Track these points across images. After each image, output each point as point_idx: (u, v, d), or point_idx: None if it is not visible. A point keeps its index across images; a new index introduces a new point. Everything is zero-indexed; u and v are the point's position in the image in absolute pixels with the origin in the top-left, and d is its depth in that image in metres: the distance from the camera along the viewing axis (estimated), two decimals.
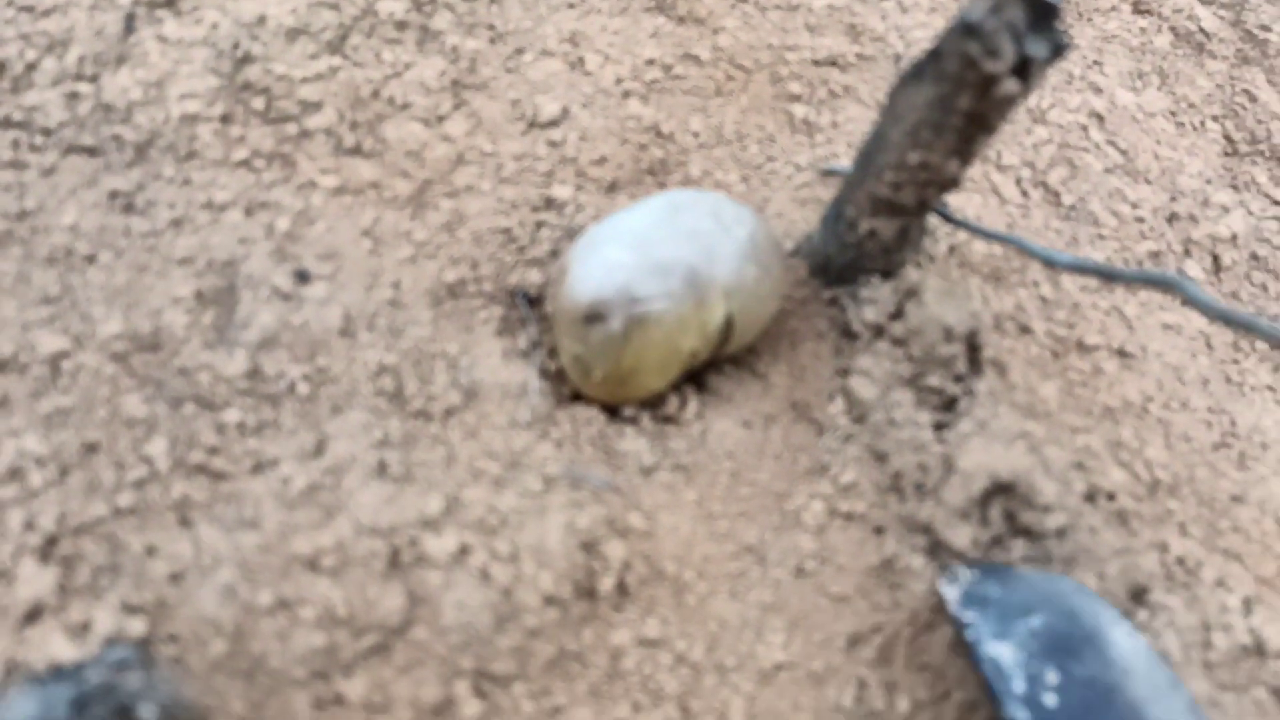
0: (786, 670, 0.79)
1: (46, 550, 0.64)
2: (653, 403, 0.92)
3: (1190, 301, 0.71)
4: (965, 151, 0.80)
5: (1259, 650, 0.84)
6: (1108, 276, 0.80)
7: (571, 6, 1.19)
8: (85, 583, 0.63)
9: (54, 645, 0.59)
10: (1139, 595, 0.81)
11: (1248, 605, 0.86)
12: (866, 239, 0.91)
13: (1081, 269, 0.80)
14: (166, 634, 0.62)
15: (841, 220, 0.93)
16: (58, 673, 0.55)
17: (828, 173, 1.07)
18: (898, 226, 0.89)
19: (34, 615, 0.61)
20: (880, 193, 0.86)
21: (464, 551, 0.74)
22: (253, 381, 0.77)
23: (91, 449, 0.69)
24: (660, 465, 0.88)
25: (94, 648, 0.58)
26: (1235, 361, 1.23)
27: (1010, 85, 0.72)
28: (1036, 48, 0.71)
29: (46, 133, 0.85)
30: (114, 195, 0.83)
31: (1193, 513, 0.94)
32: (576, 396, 0.90)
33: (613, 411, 0.90)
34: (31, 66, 0.88)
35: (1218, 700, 0.80)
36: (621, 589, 0.79)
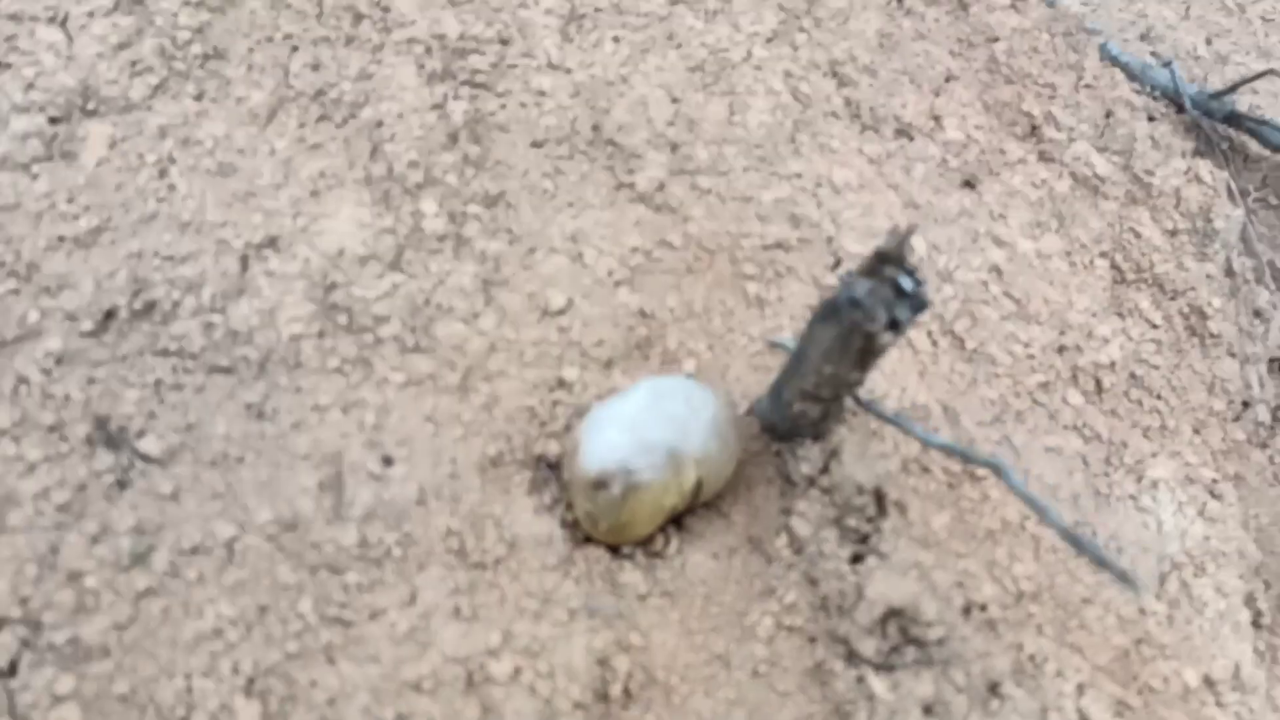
0: None
1: (249, 688, 0.99)
2: (644, 543, 1.28)
3: (1010, 487, 1.08)
4: (863, 366, 1.17)
5: None
6: (960, 455, 1.17)
7: (570, 205, 1.55)
8: (276, 709, 0.98)
9: None
10: (993, 688, 1.18)
11: (1080, 690, 1.23)
12: (799, 416, 1.27)
13: (943, 448, 1.18)
14: None
15: (780, 399, 1.29)
16: None
17: (774, 345, 1.44)
18: (821, 409, 1.26)
19: None
20: (806, 388, 1.22)
21: (517, 672, 1.09)
22: (362, 549, 1.12)
23: (264, 610, 1.05)
24: (652, 592, 1.23)
25: None
26: (1105, 474, 1.60)
27: (886, 337, 1.09)
28: (902, 312, 1.08)
29: (193, 357, 1.20)
30: (249, 406, 1.18)
31: (1049, 615, 1.31)
32: (588, 539, 1.26)
33: (614, 550, 1.26)
34: (176, 304, 1.23)
35: None
36: (627, 693, 1.15)
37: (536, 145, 1.59)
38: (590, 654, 1.14)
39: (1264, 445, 1.93)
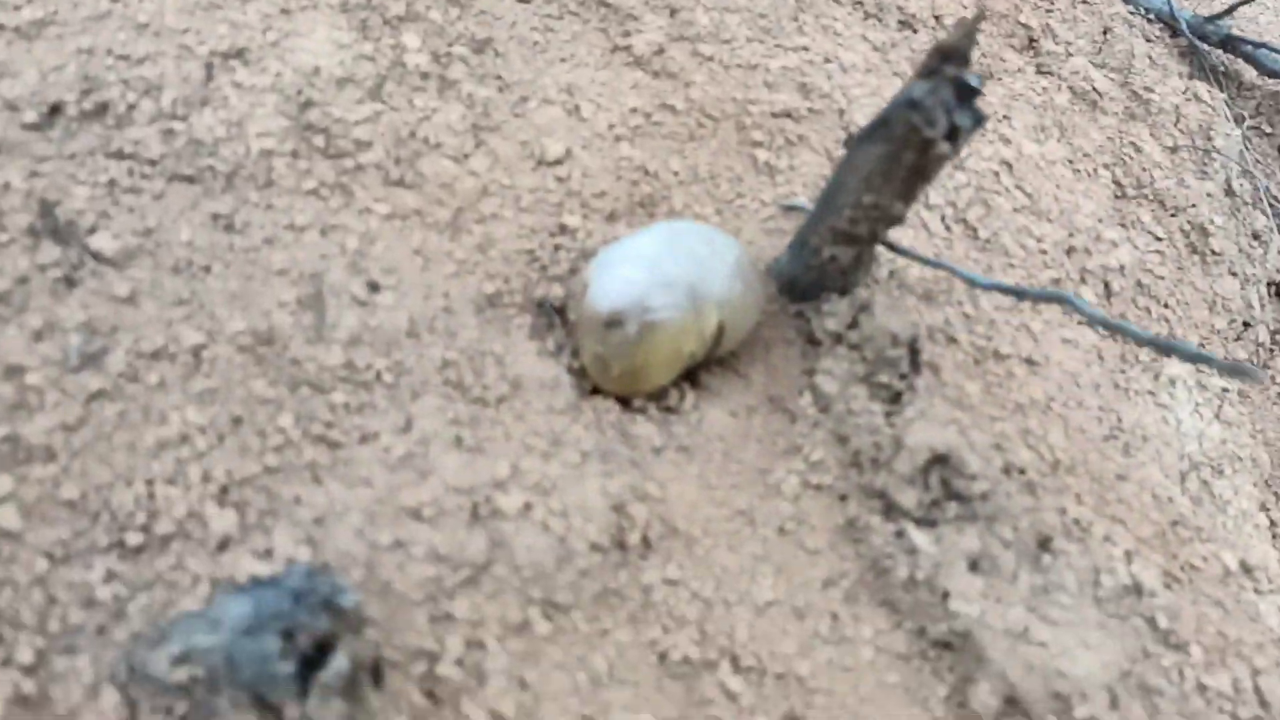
0: (775, 605, 1.06)
1: (222, 497, 0.86)
2: (657, 396, 1.18)
3: (1080, 313, 1.01)
4: (908, 195, 1.09)
5: (1137, 590, 1.14)
6: (1017, 294, 1.10)
7: (564, 60, 1.45)
8: (255, 522, 0.86)
9: (247, 564, 0.81)
10: (1045, 544, 1.11)
11: (1129, 556, 1.16)
12: (828, 263, 1.19)
13: (998, 288, 1.10)
14: (321, 563, 0.85)
15: (806, 247, 1.20)
16: (260, 582, 0.78)
17: (790, 208, 1.36)
18: (854, 253, 1.17)
19: (224, 545, 0.83)
20: (840, 226, 1.14)
21: (528, 507, 0.98)
22: (349, 371, 1.00)
23: (238, 421, 0.92)
24: (667, 446, 1.13)
25: (280, 566, 0.81)
26: (1122, 371, 1.55)
27: (943, 147, 1.01)
28: (963, 119, 1.01)
29: (151, 163, 1.08)
30: (216, 217, 1.06)
31: (1086, 487, 1.25)
32: (595, 391, 1.15)
33: (625, 403, 1.16)
34: (132, 107, 1.10)
35: (1105, 624, 1.09)
36: (645, 542, 1.04)
37: (523, 1, 1.49)
38: (606, 498, 1.04)
39: (1265, 366, 1.91)
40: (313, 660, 0.76)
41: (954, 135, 1.02)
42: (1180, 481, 1.48)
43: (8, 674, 0.75)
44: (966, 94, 1.01)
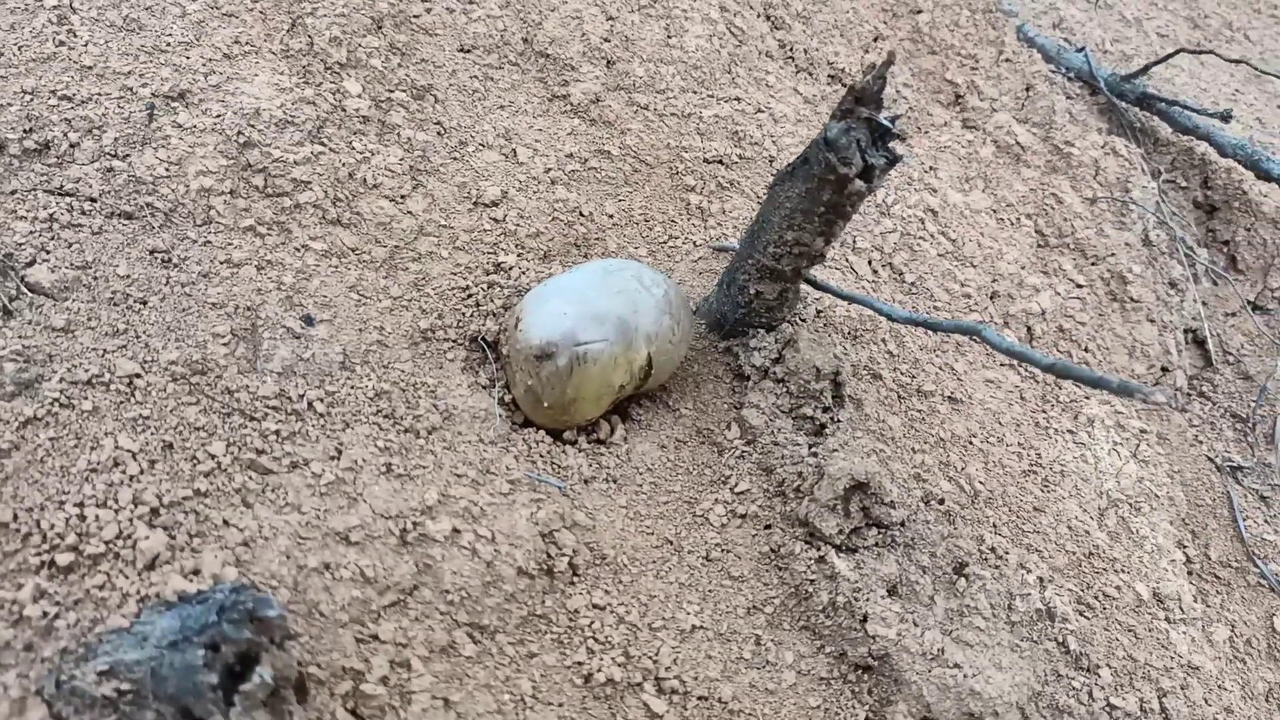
0: (700, 630, 1.09)
1: (152, 519, 0.89)
2: (587, 429, 1.21)
3: (989, 344, 1.06)
4: (828, 233, 1.15)
5: (1050, 615, 1.19)
6: (931, 326, 1.15)
7: (503, 108, 1.51)
8: (184, 542, 0.88)
9: (175, 582, 0.84)
10: (960, 569, 1.15)
11: (1042, 583, 1.21)
12: (754, 299, 1.24)
13: (912, 321, 1.16)
14: (247, 584, 0.88)
15: (734, 284, 1.26)
16: (187, 598, 0.80)
17: (720, 249, 1.41)
18: (779, 289, 1.23)
19: (153, 563, 0.86)
20: (765, 262, 1.19)
21: (456, 532, 1.01)
22: (280, 400, 1.03)
23: (169, 447, 0.95)
24: (597, 476, 1.17)
25: (206, 584, 0.84)
26: (1043, 410, 1.61)
27: (858, 184, 1.07)
28: (876, 159, 1.07)
29: (91, 200, 1.11)
30: (154, 252, 1.09)
31: (1004, 518, 1.30)
32: (527, 423, 1.19)
33: (556, 435, 1.19)
34: (74, 146, 1.14)
35: (1018, 647, 1.14)
36: (573, 568, 1.07)
37: (464, 51, 1.55)
38: (534, 525, 1.07)
39: (1183, 410, 1.99)
40: (237, 673, 0.78)
41: (868, 173, 1.08)
42: (1098, 516, 1.54)
43: None
44: (880, 134, 1.08)
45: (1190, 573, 1.71)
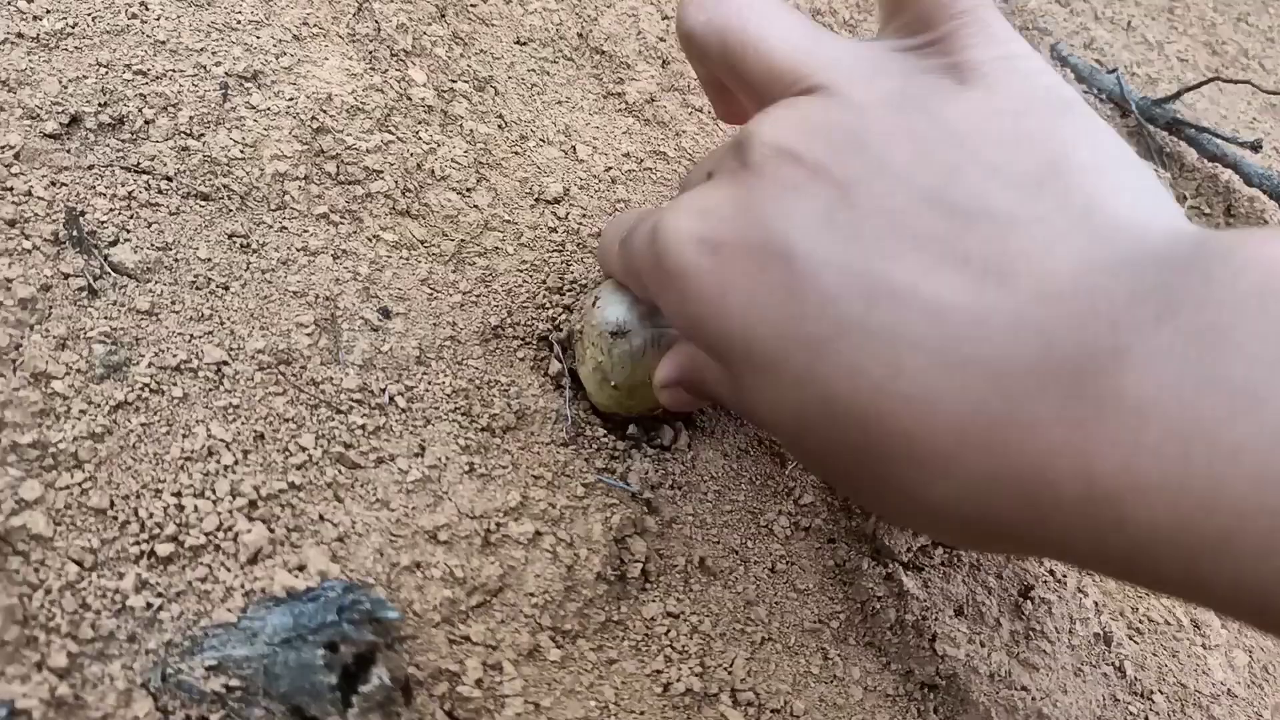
0: (769, 643, 1.11)
1: (250, 511, 0.88)
2: (650, 431, 1.22)
3: None
4: None
5: (1107, 639, 1.22)
6: None
7: (560, 103, 1.51)
8: (283, 537, 0.88)
9: (282, 578, 0.84)
10: (1026, 591, 1.17)
11: (1097, 607, 1.24)
12: None
13: None
14: (359, 583, 0.88)
15: None
16: (297, 595, 0.81)
17: None
18: None
19: (256, 557, 0.85)
20: None
21: (538, 535, 1.02)
22: (363, 394, 1.03)
23: (260, 437, 0.95)
24: (663, 483, 1.18)
25: (314, 581, 0.84)
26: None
27: None
28: None
29: (168, 179, 1.10)
30: (232, 235, 1.09)
31: None
32: (592, 409, 1.20)
33: (617, 429, 1.20)
34: (149, 123, 1.13)
35: (1080, 671, 1.16)
36: (645, 575, 1.08)
37: (520, 43, 1.55)
38: (609, 530, 1.08)
39: None
40: (351, 674, 0.78)
41: None
42: None
43: (43, 677, 0.76)
44: None
45: None
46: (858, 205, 0.49)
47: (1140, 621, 1.31)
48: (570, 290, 1.27)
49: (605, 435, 1.18)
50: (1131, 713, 1.16)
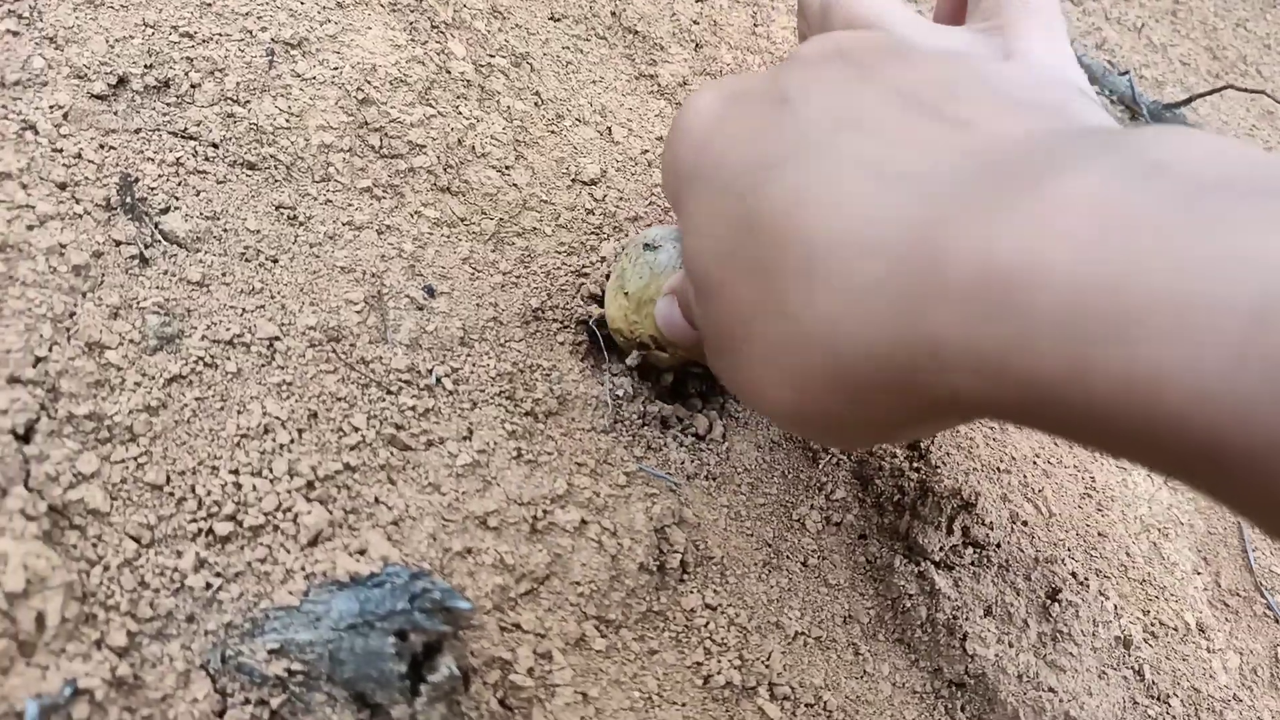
0: (803, 636, 1.11)
1: (308, 492, 0.87)
2: (684, 424, 1.22)
3: None
4: None
5: (1126, 643, 1.23)
6: None
7: (594, 83, 1.49)
8: (341, 519, 0.87)
9: (344, 561, 0.82)
10: (1054, 594, 1.18)
11: (1117, 610, 1.25)
12: None
13: None
14: (425, 570, 0.87)
15: None
16: (360, 580, 0.79)
17: None
18: None
19: (316, 539, 0.84)
20: None
21: (584, 524, 1.01)
22: (412, 375, 1.02)
23: (314, 416, 0.93)
24: (699, 474, 1.18)
25: (375, 566, 0.83)
26: None
27: None
28: None
29: (214, 146, 1.07)
30: (279, 207, 1.06)
31: (1075, 543, 1.33)
32: (613, 342, 1.19)
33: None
34: (195, 86, 1.10)
35: (1104, 673, 1.17)
36: (683, 566, 1.08)
37: (554, 20, 1.53)
38: (650, 520, 1.07)
39: None
40: (417, 662, 0.77)
41: None
42: (1136, 541, 1.59)
43: (103, 655, 0.75)
44: None
45: (1209, 600, 1.78)
46: (870, 81, 0.53)
47: (1153, 624, 1.33)
48: (606, 275, 1.26)
49: (646, 427, 1.17)
50: (1150, 716, 1.18)
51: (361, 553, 0.85)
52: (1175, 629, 1.37)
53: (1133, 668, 1.22)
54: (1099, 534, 1.39)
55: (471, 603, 0.81)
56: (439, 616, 0.77)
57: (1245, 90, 2.05)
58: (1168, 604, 1.39)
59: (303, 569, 0.83)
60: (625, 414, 1.19)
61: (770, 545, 1.19)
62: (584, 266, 1.27)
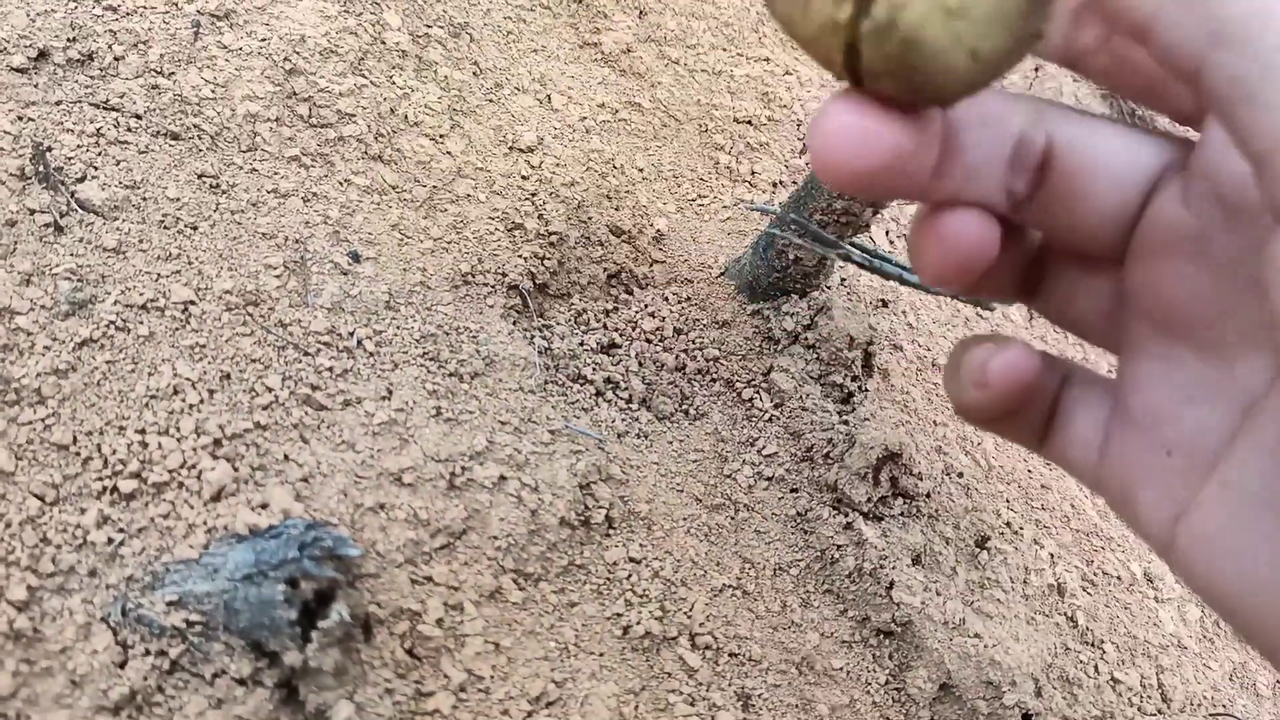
0: (729, 589, 1.11)
1: (215, 449, 0.88)
2: (616, 386, 1.22)
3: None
4: (878, 204, 1.16)
5: (1060, 590, 1.23)
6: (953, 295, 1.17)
7: (535, 52, 1.49)
8: (247, 475, 0.88)
9: (245, 515, 0.83)
10: (982, 542, 1.19)
11: (1053, 558, 1.25)
12: (791, 265, 1.25)
13: (939, 291, 1.18)
14: (321, 520, 0.88)
15: (771, 249, 1.26)
16: (259, 532, 0.80)
17: (755, 209, 1.41)
18: (818, 257, 1.23)
19: (219, 495, 0.85)
20: (808, 229, 1.20)
21: (503, 479, 1.02)
22: (332, 337, 1.02)
23: (226, 377, 0.94)
24: (629, 431, 1.18)
25: (276, 519, 0.83)
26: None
27: None
28: None
29: (137, 117, 1.08)
30: (201, 176, 1.07)
31: (1015, 493, 1.33)
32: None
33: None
34: (119, 59, 1.10)
35: (1033, 620, 1.17)
36: (609, 521, 1.08)
37: None
38: (574, 476, 1.08)
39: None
40: (311, 610, 0.78)
41: None
42: (1091, 495, 1.58)
43: (1, 609, 0.76)
44: None
45: None
46: None
47: (1095, 574, 1.32)
48: (540, 239, 1.26)
49: (573, 386, 1.18)
50: (1081, 661, 1.18)
51: (264, 507, 0.86)
52: (1119, 578, 1.36)
53: (1065, 614, 1.22)
54: (1042, 486, 1.38)
55: (361, 548, 0.82)
56: (329, 564, 0.77)
57: None
58: (1113, 554, 1.39)
59: (204, 523, 0.84)
60: (557, 376, 1.19)
61: (700, 500, 1.19)
62: (516, 230, 1.27)
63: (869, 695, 1.10)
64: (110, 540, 0.82)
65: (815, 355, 1.27)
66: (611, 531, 1.09)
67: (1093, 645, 1.21)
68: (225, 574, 0.79)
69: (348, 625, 0.77)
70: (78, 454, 0.85)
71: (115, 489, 0.84)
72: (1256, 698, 1.42)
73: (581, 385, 1.20)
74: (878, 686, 1.10)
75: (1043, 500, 1.36)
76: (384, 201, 1.20)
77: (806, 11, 0.28)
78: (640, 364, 1.27)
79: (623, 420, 1.19)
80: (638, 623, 1.03)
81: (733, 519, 1.17)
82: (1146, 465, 0.32)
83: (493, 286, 1.21)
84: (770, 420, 1.25)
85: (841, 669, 1.11)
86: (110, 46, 1.11)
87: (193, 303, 0.98)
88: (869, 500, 1.17)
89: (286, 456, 0.92)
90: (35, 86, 1.05)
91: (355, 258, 1.12)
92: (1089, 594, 1.28)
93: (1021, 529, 1.26)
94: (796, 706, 1.05)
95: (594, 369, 1.23)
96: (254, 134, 1.15)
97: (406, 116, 1.28)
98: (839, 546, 1.15)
